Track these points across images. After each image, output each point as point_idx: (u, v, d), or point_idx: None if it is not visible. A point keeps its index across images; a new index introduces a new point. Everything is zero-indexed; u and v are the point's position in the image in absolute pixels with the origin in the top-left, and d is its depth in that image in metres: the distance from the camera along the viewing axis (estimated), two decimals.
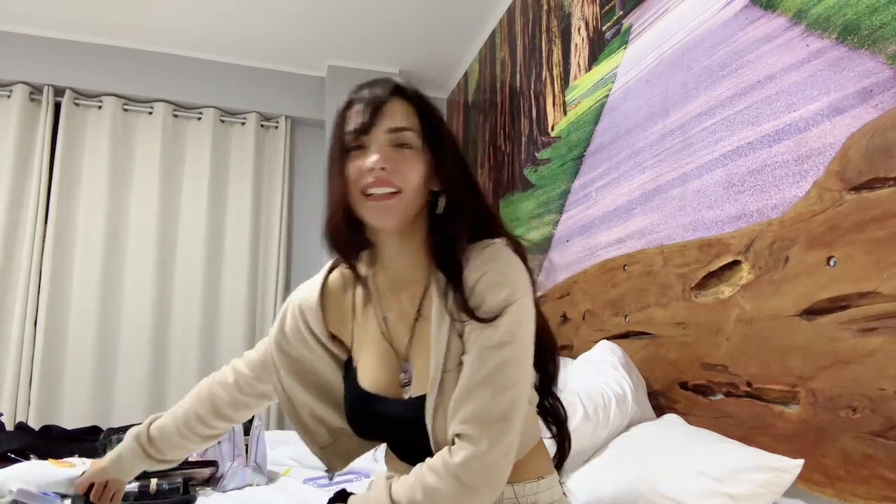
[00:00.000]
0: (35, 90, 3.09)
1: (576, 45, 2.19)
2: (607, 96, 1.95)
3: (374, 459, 1.00)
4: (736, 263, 1.32)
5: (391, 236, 0.85)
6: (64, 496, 1.37)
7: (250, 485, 1.64)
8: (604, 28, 1.99)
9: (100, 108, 3.19)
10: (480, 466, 0.71)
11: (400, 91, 0.83)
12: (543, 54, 2.46)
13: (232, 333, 3.20)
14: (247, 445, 1.68)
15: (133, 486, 1.37)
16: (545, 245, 2.34)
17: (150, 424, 1.01)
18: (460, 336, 0.78)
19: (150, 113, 3.28)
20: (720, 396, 1.34)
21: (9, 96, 3.04)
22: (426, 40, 3.24)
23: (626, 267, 1.73)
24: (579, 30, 2.16)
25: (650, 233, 1.68)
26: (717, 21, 1.46)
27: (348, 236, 0.85)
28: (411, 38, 3.22)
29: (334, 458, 0.95)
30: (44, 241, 2.99)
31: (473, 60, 3.34)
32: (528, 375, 0.79)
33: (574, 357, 1.79)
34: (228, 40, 3.23)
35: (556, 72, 2.34)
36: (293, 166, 3.55)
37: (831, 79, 1.14)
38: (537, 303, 0.83)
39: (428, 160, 0.81)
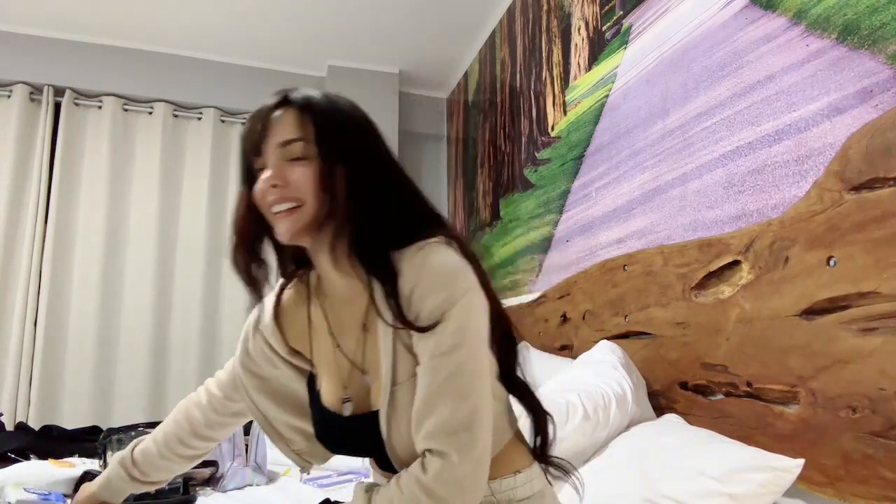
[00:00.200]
0: (35, 90, 3.09)
1: (576, 45, 2.19)
2: (607, 96, 1.95)
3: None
4: (736, 263, 1.32)
5: (319, 250, 0.81)
6: (67, 496, 1.37)
7: (250, 485, 1.64)
8: (604, 28, 1.99)
9: (100, 108, 3.19)
10: (452, 479, 0.69)
11: (288, 101, 0.78)
12: (543, 54, 2.46)
13: (232, 333, 3.20)
14: (247, 445, 1.68)
15: None
16: (545, 245, 2.34)
17: (134, 448, 1.02)
18: (408, 347, 0.75)
19: (150, 113, 3.28)
20: (720, 396, 1.35)
21: (9, 96, 3.04)
22: (426, 40, 3.24)
23: (626, 267, 1.74)
24: (579, 30, 2.16)
25: (650, 233, 1.68)
26: (717, 21, 1.46)
27: (248, 263, 0.83)
28: (411, 38, 3.22)
29: (312, 458, 0.94)
30: (44, 241, 2.99)
31: (473, 60, 3.34)
32: (487, 374, 0.74)
33: (574, 357, 1.79)
34: (228, 40, 3.23)
35: (556, 72, 2.34)
36: None
37: (831, 79, 1.14)
38: (489, 289, 0.78)
39: (326, 168, 0.75)
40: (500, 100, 2.93)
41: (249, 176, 0.80)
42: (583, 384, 1.46)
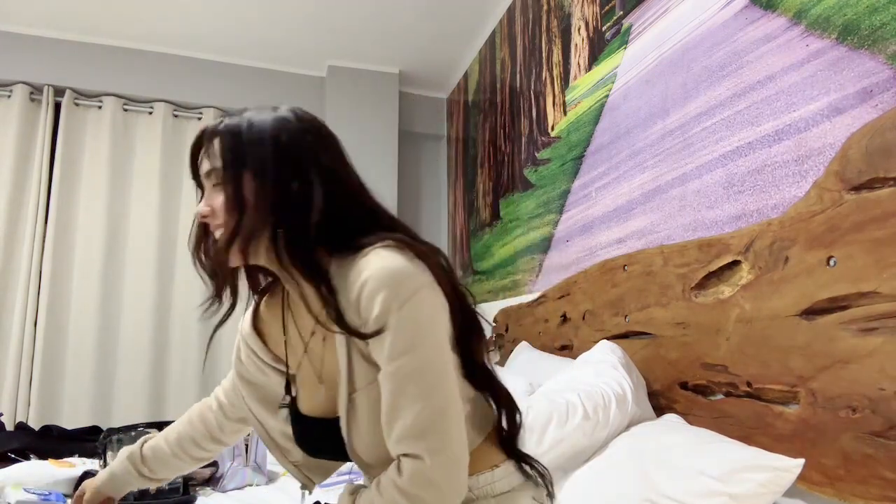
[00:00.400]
0: (35, 90, 3.09)
1: (576, 45, 2.19)
2: (607, 96, 1.95)
3: None
4: (736, 263, 1.32)
5: (270, 264, 0.82)
6: (67, 496, 1.37)
7: (250, 485, 1.65)
8: (604, 28, 1.99)
9: (100, 108, 3.19)
10: (427, 480, 0.69)
11: (204, 134, 0.81)
12: (543, 54, 2.46)
13: (231, 334, 3.18)
14: (247, 445, 1.68)
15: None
16: (545, 245, 2.34)
17: (143, 446, 1.04)
18: (364, 354, 0.75)
19: (150, 113, 3.28)
20: (720, 396, 1.35)
21: (9, 96, 3.04)
22: (426, 40, 3.24)
23: (626, 267, 1.74)
24: (579, 30, 2.16)
25: (650, 233, 1.68)
26: (717, 21, 1.46)
27: (222, 285, 0.87)
28: (411, 38, 3.22)
29: (311, 473, 0.94)
30: (44, 241, 2.99)
31: (473, 60, 3.34)
32: (450, 372, 0.73)
33: (574, 357, 1.79)
34: (228, 40, 3.23)
35: (556, 72, 2.34)
36: None
37: (831, 79, 1.14)
38: (451, 284, 0.78)
39: (231, 188, 0.77)
40: (500, 100, 2.93)
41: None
42: (583, 384, 1.46)
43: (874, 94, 1.05)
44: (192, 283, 3.18)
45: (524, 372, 1.98)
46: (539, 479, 0.85)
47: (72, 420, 2.77)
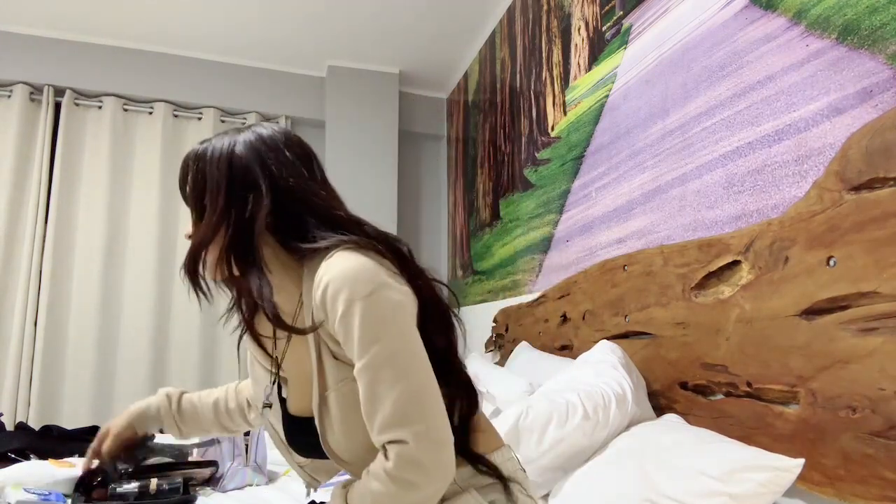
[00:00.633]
0: (35, 90, 3.09)
1: (576, 45, 2.19)
2: (607, 96, 1.95)
3: None
4: (736, 263, 1.32)
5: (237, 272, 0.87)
6: (67, 496, 1.37)
7: (250, 485, 1.64)
8: (604, 28, 1.99)
9: (100, 108, 3.19)
10: (413, 461, 0.71)
11: (181, 165, 0.88)
12: (543, 54, 2.46)
13: (234, 335, 3.19)
14: (247, 445, 1.68)
15: (133, 487, 1.37)
16: (545, 245, 2.34)
17: (181, 399, 1.12)
18: (334, 354, 0.79)
19: (150, 113, 3.28)
20: (720, 396, 1.35)
21: (9, 96, 3.04)
22: (426, 40, 3.24)
23: (625, 267, 1.74)
24: (579, 30, 2.16)
25: (650, 233, 1.68)
26: (717, 21, 1.46)
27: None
28: (411, 38, 3.22)
29: (316, 473, 0.97)
30: (44, 241, 2.99)
31: (473, 60, 3.35)
32: (422, 359, 0.75)
33: (574, 357, 1.79)
34: (228, 40, 3.23)
35: (556, 72, 2.34)
36: None
37: (831, 79, 1.14)
38: (421, 280, 0.82)
39: (193, 207, 0.85)
40: (500, 100, 2.93)
41: None
42: (583, 384, 1.46)
43: (874, 94, 1.05)
44: (187, 282, 3.17)
45: (524, 372, 1.98)
46: (495, 479, 0.84)
47: (72, 420, 2.77)
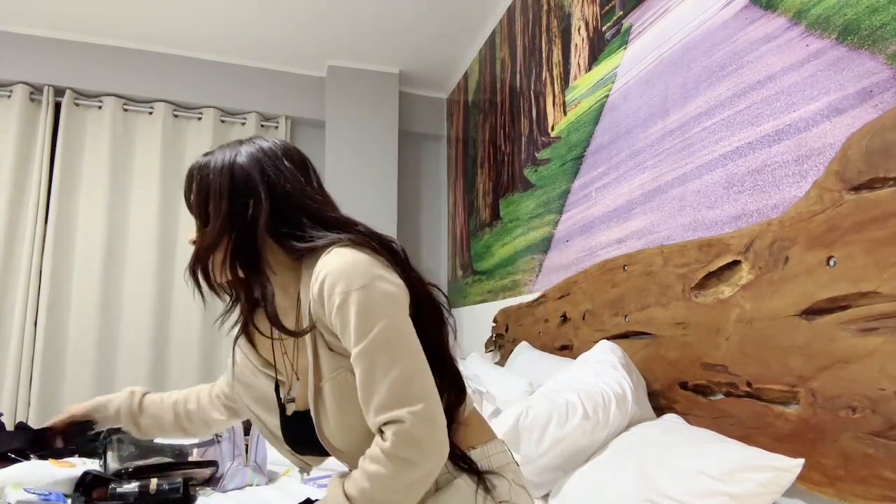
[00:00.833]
0: (35, 90, 3.09)
1: (576, 45, 2.19)
2: (607, 96, 1.95)
3: None
4: (736, 263, 1.32)
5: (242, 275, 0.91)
6: (67, 496, 1.37)
7: (250, 485, 1.64)
8: (604, 28, 1.99)
9: (100, 108, 3.19)
10: (409, 438, 0.73)
11: (186, 175, 0.93)
12: (543, 54, 2.46)
13: (231, 333, 3.19)
14: (247, 445, 1.68)
15: (133, 487, 1.37)
16: (545, 245, 2.34)
17: (143, 398, 1.16)
18: (330, 346, 0.83)
19: (150, 113, 3.28)
20: (720, 396, 1.35)
21: (9, 96, 3.04)
22: (426, 40, 3.24)
23: (625, 267, 1.74)
24: (579, 30, 2.16)
25: (650, 233, 1.68)
26: (717, 21, 1.46)
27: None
28: (411, 38, 3.22)
29: (307, 458, 0.99)
30: (44, 241, 2.99)
31: (473, 60, 3.35)
32: (415, 345, 0.79)
33: (574, 357, 1.79)
34: (228, 40, 3.23)
35: (556, 72, 2.34)
36: None
37: (831, 79, 1.14)
38: (412, 275, 0.86)
39: (196, 213, 0.91)
40: (500, 100, 2.93)
41: None
42: (583, 384, 1.46)
43: (874, 94, 1.05)
44: (191, 284, 3.17)
45: (524, 372, 1.98)
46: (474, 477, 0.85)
47: None
